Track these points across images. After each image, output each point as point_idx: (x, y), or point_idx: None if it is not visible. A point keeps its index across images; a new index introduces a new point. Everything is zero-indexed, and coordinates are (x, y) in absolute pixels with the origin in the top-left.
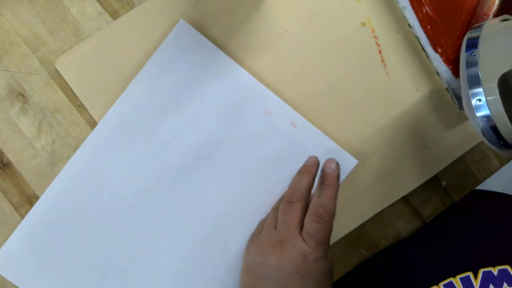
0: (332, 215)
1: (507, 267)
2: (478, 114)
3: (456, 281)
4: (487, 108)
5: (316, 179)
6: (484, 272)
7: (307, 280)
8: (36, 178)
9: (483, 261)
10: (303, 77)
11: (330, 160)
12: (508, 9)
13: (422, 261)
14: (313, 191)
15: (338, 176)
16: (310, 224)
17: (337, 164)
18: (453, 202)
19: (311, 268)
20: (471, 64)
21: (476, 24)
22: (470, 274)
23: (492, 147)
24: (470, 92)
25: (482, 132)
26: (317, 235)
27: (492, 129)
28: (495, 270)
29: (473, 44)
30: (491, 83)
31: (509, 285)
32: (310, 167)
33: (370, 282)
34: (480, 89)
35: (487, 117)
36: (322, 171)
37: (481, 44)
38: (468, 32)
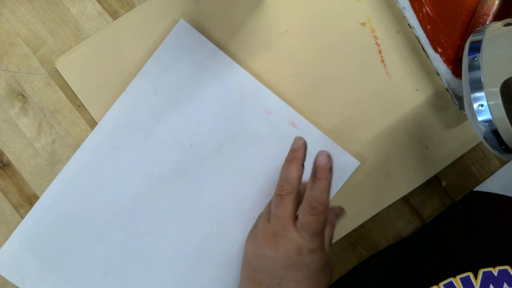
0: (325, 207)
1: (507, 267)
2: (480, 118)
3: (456, 281)
4: (489, 112)
5: (308, 168)
6: (484, 272)
7: (302, 272)
8: (36, 178)
9: (483, 261)
10: (303, 77)
11: (321, 153)
12: (508, 9)
13: (422, 261)
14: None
15: (330, 169)
16: (303, 216)
17: (329, 157)
18: (453, 202)
19: (306, 260)
20: (473, 68)
21: (479, 28)
22: (470, 274)
23: (494, 151)
24: (472, 96)
25: (484, 137)
26: (311, 226)
27: (494, 134)
28: (495, 270)
29: (475, 48)
30: (494, 87)
31: (509, 286)
32: (297, 152)
33: (370, 282)
34: (482, 94)
35: (488, 122)
36: (314, 164)
37: (484, 48)
38: (471, 35)
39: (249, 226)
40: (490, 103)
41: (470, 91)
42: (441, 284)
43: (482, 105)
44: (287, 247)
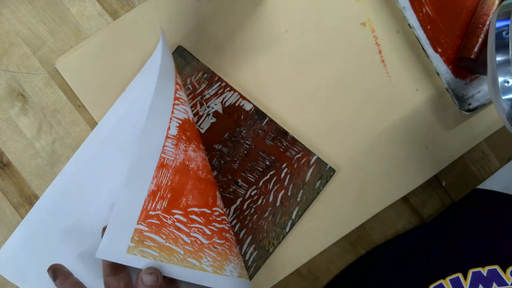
0: None
1: (496, 267)
2: (504, 96)
3: (446, 282)
4: None
5: None
6: (473, 273)
7: None
8: (36, 178)
9: (472, 262)
10: (303, 77)
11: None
12: None
13: (412, 264)
14: None
15: None
16: None
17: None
18: (453, 202)
19: None
20: (501, 41)
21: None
22: (460, 275)
23: None
24: (497, 71)
25: (507, 117)
26: None
27: None
28: (484, 271)
29: (505, 19)
30: None
31: (498, 285)
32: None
33: (364, 283)
34: (509, 68)
35: None
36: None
37: None
38: (500, 6)
39: None
40: None
41: (496, 66)
42: (431, 287)
43: (507, 82)
44: None
